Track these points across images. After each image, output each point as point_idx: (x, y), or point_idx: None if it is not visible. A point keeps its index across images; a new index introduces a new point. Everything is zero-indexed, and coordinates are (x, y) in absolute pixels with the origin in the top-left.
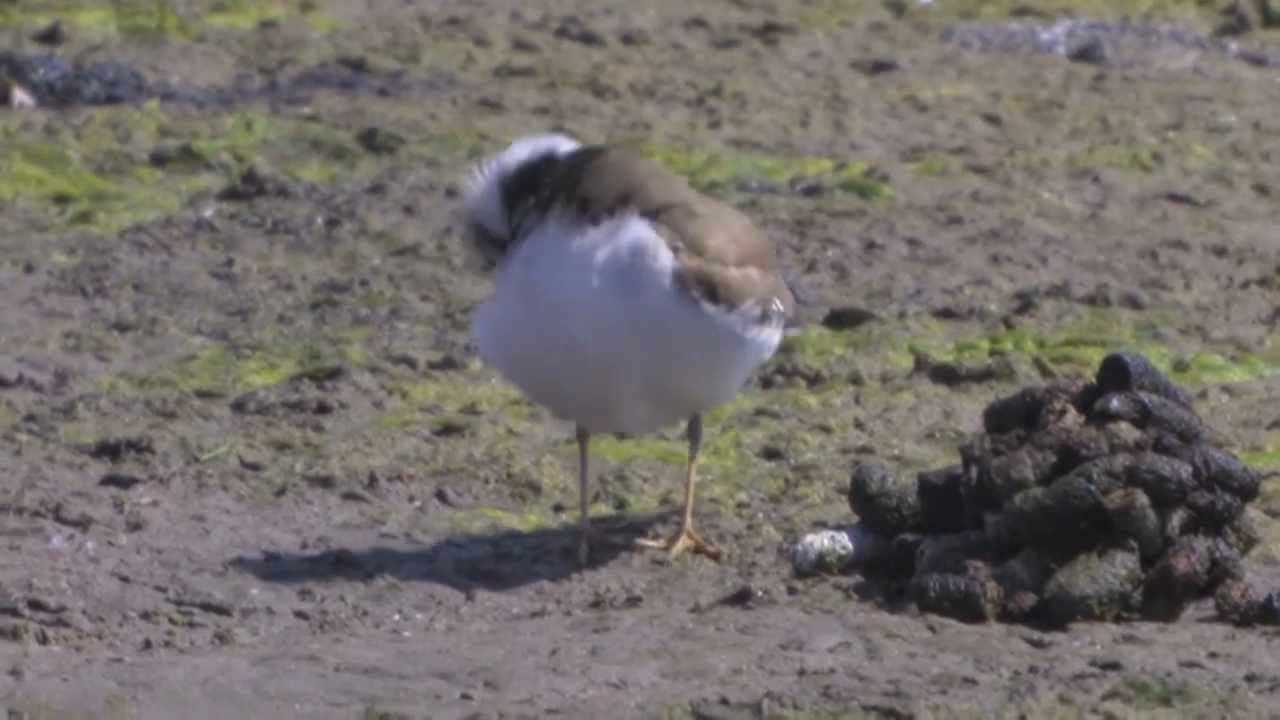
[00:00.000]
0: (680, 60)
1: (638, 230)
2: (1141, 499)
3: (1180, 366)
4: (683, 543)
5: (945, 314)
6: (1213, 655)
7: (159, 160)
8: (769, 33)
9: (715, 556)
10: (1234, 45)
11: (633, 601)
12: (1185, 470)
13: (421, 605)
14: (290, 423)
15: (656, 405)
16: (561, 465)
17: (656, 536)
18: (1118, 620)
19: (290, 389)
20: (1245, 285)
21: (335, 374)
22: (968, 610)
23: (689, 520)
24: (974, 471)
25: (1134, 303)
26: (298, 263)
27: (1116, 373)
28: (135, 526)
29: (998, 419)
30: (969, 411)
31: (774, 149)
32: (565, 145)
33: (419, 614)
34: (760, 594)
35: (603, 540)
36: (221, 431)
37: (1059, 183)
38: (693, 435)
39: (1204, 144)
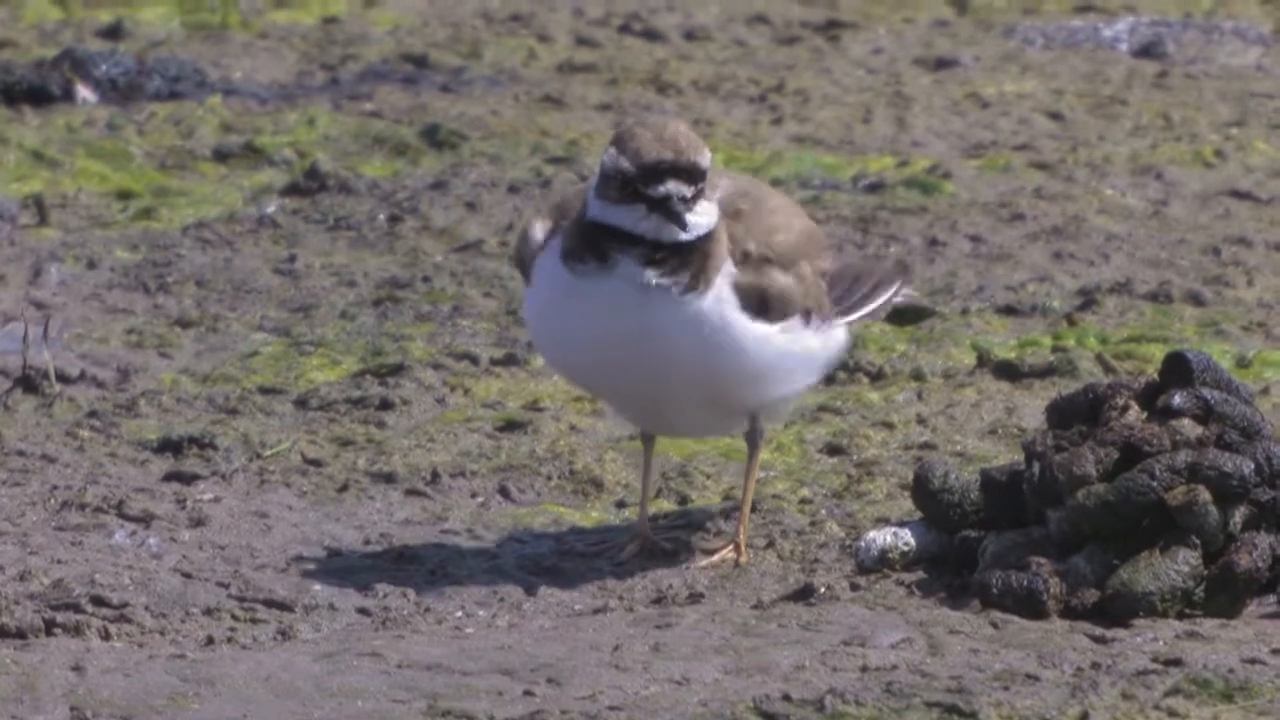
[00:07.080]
0: (743, 57)
1: None
2: (1204, 495)
3: (1243, 363)
4: (725, 554)
5: (1008, 310)
6: (1275, 651)
7: (221, 156)
8: (831, 29)
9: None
10: None
11: (695, 598)
12: (1248, 466)
13: (484, 601)
14: (353, 419)
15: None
16: (624, 461)
17: (718, 533)
18: (1180, 616)
19: (352, 385)
20: None
21: (398, 370)
22: (1030, 606)
23: (743, 534)
24: (1036, 468)
25: (1196, 299)
26: (360, 259)
27: (1179, 369)
28: (197, 523)
29: (1060, 415)
30: (1031, 408)
31: (836, 146)
32: None
33: (481, 610)
34: (823, 590)
35: (656, 545)
36: (284, 428)
37: (1121, 179)
38: (750, 444)
39: (1266, 140)
